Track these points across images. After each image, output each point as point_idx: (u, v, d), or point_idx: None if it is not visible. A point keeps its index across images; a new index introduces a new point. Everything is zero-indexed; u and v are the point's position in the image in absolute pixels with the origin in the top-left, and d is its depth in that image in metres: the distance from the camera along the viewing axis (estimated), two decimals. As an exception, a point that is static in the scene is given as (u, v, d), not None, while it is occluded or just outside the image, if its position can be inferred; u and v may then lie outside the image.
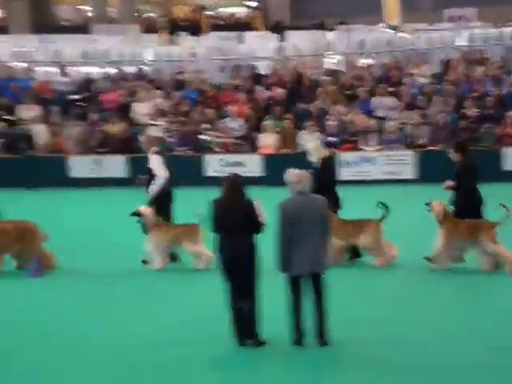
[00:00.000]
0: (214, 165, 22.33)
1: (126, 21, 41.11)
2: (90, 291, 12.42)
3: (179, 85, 25.89)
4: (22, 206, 13.71)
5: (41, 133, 23.78)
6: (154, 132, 15.80)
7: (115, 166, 22.89)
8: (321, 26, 35.04)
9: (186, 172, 22.22)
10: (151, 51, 29.25)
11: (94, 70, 28.48)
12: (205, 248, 13.23)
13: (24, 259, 13.28)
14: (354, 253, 13.87)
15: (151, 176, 13.62)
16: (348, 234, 13.41)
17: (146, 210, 13.40)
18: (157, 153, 13.78)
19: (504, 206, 12.73)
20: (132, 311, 11.33)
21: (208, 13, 50.17)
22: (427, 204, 13.19)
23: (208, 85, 25.88)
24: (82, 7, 54.86)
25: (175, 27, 41.61)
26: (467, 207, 13.11)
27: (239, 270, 9.35)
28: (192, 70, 26.90)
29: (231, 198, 9.41)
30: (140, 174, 14.09)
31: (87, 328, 10.47)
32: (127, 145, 23.17)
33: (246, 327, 9.45)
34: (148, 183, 13.53)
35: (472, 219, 12.92)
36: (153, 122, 23.92)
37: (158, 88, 25.68)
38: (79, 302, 11.80)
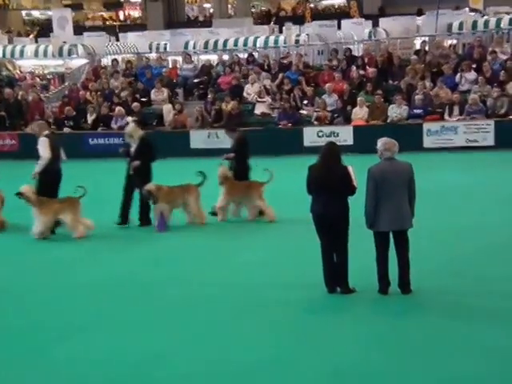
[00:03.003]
0: (312, 136, 21.88)
1: (242, 15, 41.05)
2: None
3: (284, 67, 25.45)
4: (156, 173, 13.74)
5: (168, 111, 23.83)
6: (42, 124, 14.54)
7: (227, 138, 22.58)
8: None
9: (288, 142, 21.94)
10: (261, 40, 28.92)
11: (213, 58, 28.44)
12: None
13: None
14: None
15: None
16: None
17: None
18: (46, 136, 13.15)
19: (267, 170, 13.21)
20: (244, 258, 11.18)
21: (311, 5, 49.62)
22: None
23: (308, 66, 25.38)
24: (205, 5, 55.39)
25: (282, 18, 41.25)
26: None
27: (332, 226, 9.01)
28: (295, 54, 26.36)
29: (328, 163, 9.07)
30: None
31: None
32: (238, 120, 22.93)
33: (337, 277, 9.13)
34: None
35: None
36: (260, 100, 23.61)
37: (265, 71, 25.33)
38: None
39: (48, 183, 12.89)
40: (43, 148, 12.90)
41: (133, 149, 13.03)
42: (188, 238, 12.53)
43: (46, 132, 13.32)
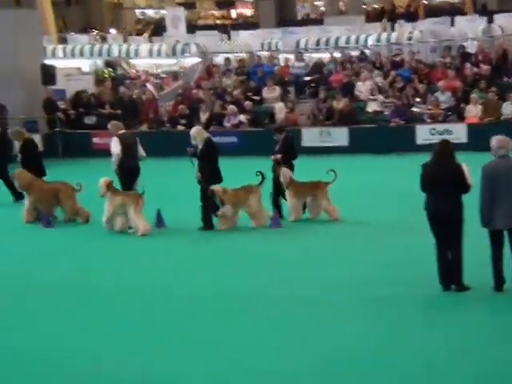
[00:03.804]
0: (425, 133, 21.77)
1: (354, 12, 40.98)
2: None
3: (396, 65, 25.40)
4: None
5: (280, 109, 24.12)
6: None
7: (340, 136, 22.79)
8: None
9: (400, 140, 21.89)
10: (373, 37, 28.94)
11: (325, 55, 28.64)
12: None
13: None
14: None
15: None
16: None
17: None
18: (117, 135, 13.81)
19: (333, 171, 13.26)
20: (346, 252, 11.35)
21: (424, 2, 49.00)
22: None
23: (421, 63, 25.20)
24: (317, 3, 55.54)
25: (395, 16, 40.95)
26: None
27: (445, 224, 9.06)
28: (407, 51, 26.25)
29: (442, 161, 9.13)
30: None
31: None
32: (350, 117, 23.04)
33: (451, 274, 9.16)
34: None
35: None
36: (371, 98, 23.65)
37: (377, 68, 25.33)
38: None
39: (123, 179, 13.64)
40: (113, 146, 13.73)
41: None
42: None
43: (121, 131, 14.10)
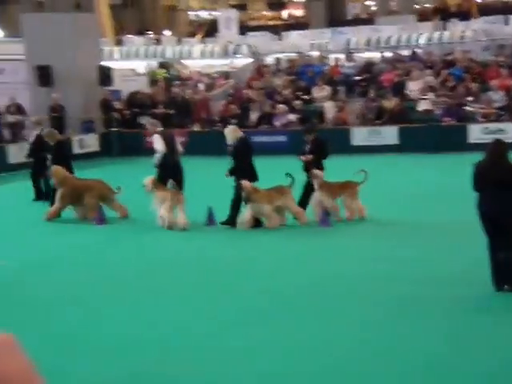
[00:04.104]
0: (477, 133, 21.47)
1: (405, 12, 40.72)
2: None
3: (448, 64, 25.09)
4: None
5: (329, 109, 24.05)
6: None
7: (390, 135, 22.64)
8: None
9: (451, 139, 21.65)
10: (424, 36, 28.68)
11: (375, 55, 28.47)
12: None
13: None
14: None
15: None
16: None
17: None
18: (158, 133, 14.04)
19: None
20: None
21: (478, 0, 48.34)
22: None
23: (474, 62, 24.87)
24: (368, 3, 55.25)
25: (447, 15, 40.50)
26: None
27: (497, 223, 8.88)
28: (459, 50, 25.94)
29: (494, 160, 8.97)
30: None
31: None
32: (400, 117, 22.85)
33: (504, 274, 8.95)
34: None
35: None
36: (422, 97, 23.41)
37: (428, 67, 25.06)
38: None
39: (164, 176, 13.71)
40: (157, 143, 13.88)
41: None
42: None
43: (159, 129, 14.32)
